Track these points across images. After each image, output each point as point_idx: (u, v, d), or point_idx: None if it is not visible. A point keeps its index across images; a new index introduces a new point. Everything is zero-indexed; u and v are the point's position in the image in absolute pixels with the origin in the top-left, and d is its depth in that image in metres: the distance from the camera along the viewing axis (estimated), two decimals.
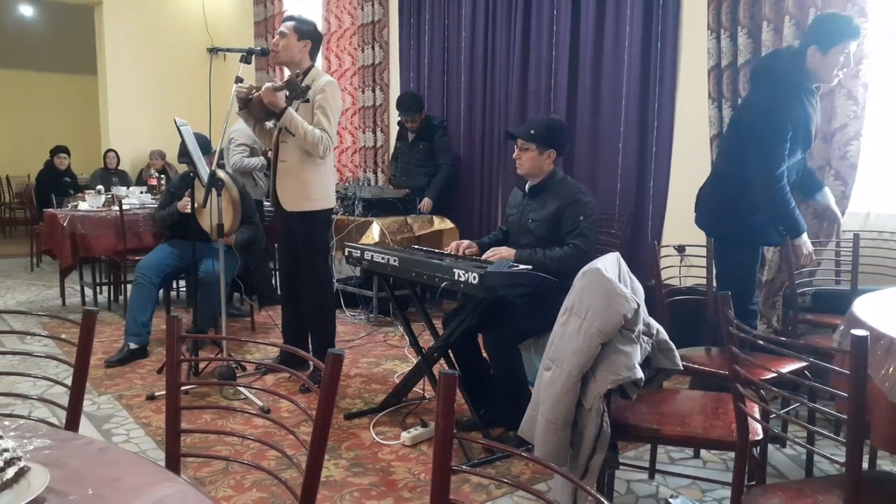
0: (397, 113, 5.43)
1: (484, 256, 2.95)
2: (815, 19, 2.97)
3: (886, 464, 2.73)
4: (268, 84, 3.37)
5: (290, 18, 3.55)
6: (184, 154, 3.69)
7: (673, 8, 4.02)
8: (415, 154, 5.37)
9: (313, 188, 3.53)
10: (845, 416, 1.41)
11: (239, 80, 3.38)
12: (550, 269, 2.76)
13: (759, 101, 2.85)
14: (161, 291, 4.37)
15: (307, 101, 3.43)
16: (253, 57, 3.42)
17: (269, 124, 3.59)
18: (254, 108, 3.48)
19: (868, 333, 1.40)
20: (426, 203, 5.22)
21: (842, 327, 1.87)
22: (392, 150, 5.80)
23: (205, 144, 4.04)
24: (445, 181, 5.28)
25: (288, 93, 3.25)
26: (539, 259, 2.84)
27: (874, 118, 3.30)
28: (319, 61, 6.91)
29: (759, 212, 2.89)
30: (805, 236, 2.90)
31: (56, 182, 7.75)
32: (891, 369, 1.51)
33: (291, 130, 3.36)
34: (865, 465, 1.86)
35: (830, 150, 3.25)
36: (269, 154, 4.11)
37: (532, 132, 2.95)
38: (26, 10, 10.64)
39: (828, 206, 3.07)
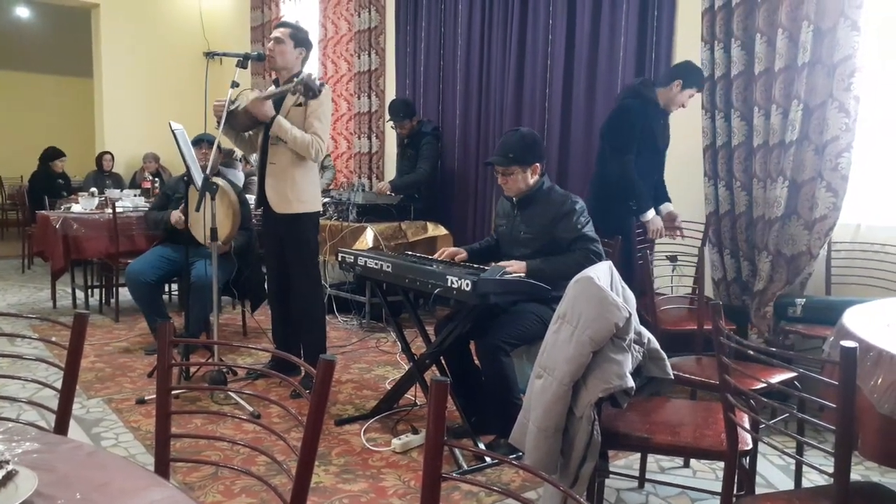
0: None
1: (502, 263, 2.90)
2: (686, 63, 3.65)
3: (875, 475, 2.74)
4: (256, 94, 3.39)
5: (285, 25, 3.55)
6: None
7: (667, 19, 4.05)
8: (404, 161, 5.39)
9: (303, 190, 3.53)
10: (834, 427, 1.42)
11: (235, 84, 3.38)
12: (566, 277, 2.72)
13: (614, 108, 3.76)
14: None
15: (300, 105, 3.44)
16: (249, 62, 3.42)
17: (250, 132, 3.61)
18: (238, 120, 3.49)
19: (857, 345, 1.41)
20: (383, 186, 5.24)
21: (832, 338, 1.88)
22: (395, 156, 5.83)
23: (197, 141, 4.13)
24: (414, 182, 5.23)
25: (303, 93, 3.22)
26: (553, 267, 2.79)
27: (866, 131, 3.32)
28: (316, 67, 6.96)
29: (617, 204, 3.59)
30: (652, 213, 3.63)
31: (50, 184, 7.72)
32: (879, 380, 1.53)
33: (283, 138, 3.38)
34: (854, 475, 1.87)
35: (822, 162, 3.28)
36: (253, 160, 4.13)
37: (510, 156, 2.91)
38: (22, 12, 10.61)
39: (669, 211, 3.80)
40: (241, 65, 3.37)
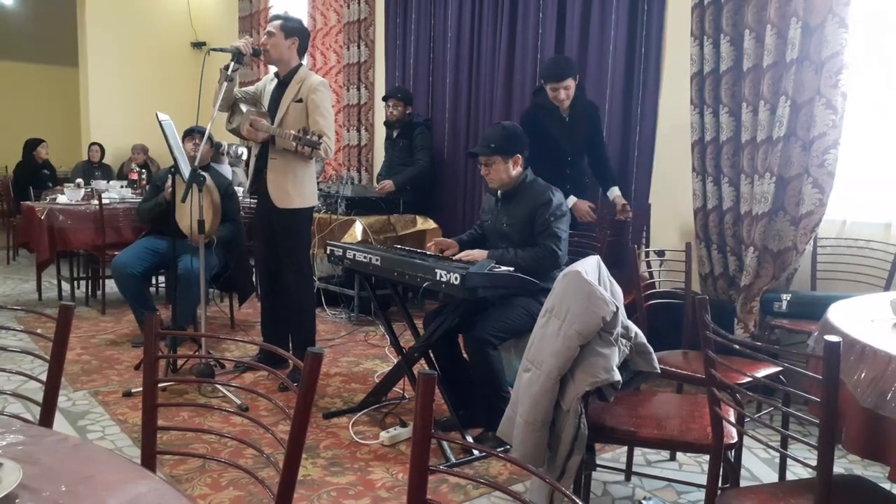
0: (383, 106, 5.42)
1: (456, 258, 2.96)
2: (545, 61, 4.10)
3: (857, 468, 2.77)
4: (252, 111, 3.43)
5: (277, 17, 3.55)
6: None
7: (657, 14, 4.06)
8: (396, 152, 5.36)
9: (304, 185, 3.55)
10: (818, 421, 1.43)
11: (230, 79, 3.37)
12: (523, 269, 2.78)
13: None
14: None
15: (300, 100, 3.44)
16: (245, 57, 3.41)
17: (246, 109, 3.60)
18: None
19: (841, 339, 1.42)
20: (386, 184, 5.12)
21: (816, 333, 1.90)
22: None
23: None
24: (416, 175, 5.19)
25: (300, 144, 3.28)
26: (511, 258, 2.86)
27: (853, 127, 3.34)
28: (305, 58, 6.91)
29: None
30: (572, 199, 3.79)
31: (35, 174, 7.64)
32: (863, 375, 1.54)
33: (289, 149, 3.40)
34: (838, 469, 1.90)
35: (808, 159, 3.30)
36: (247, 146, 4.14)
37: (492, 146, 2.95)
38: None
39: (616, 196, 3.96)
40: (238, 60, 3.36)
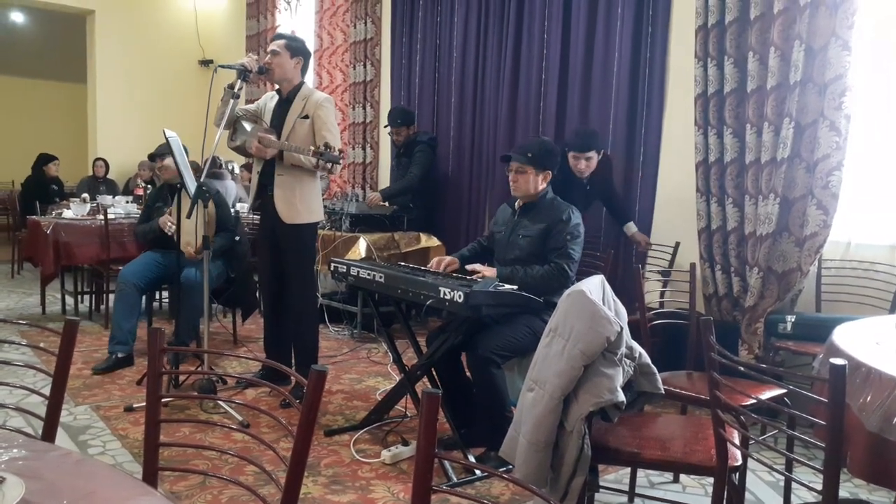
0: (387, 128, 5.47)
1: (469, 268, 2.96)
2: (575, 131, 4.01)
3: (863, 492, 2.74)
4: (259, 127, 3.44)
5: (280, 37, 3.59)
6: (160, 155, 4.17)
7: (661, 35, 4.09)
8: (399, 170, 5.39)
9: (311, 199, 3.57)
10: (823, 444, 1.43)
11: (236, 96, 3.40)
12: (531, 288, 2.78)
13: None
14: (143, 300, 4.33)
15: (306, 117, 3.47)
16: (251, 74, 3.44)
17: (250, 127, 3.63)
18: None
19: (846, 362, 1.42)
20: (374, 196, 5.23)
21: (821, 356, 1.89)
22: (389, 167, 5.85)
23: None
24: (403, 188, 5.23)
25: (324, 160, 3.29)
26: (520, 277, 2.85)
27: (857, 149, 3.35)
28: (311, 77, 6.97)
29: None
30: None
31: (43, 189, 7.68)
32: (868, 398, 1.53)
33: (298, 164, 3.42)
34: (843, 493, 1.88)
35: (812, 180, 3.30)
36: (251, 164, 4.16)
37: (529, 155, 2.98)
38: (17, 17, 10.61)
39: (635, 233, 4.07)
40: (244, 77, 3.38)
